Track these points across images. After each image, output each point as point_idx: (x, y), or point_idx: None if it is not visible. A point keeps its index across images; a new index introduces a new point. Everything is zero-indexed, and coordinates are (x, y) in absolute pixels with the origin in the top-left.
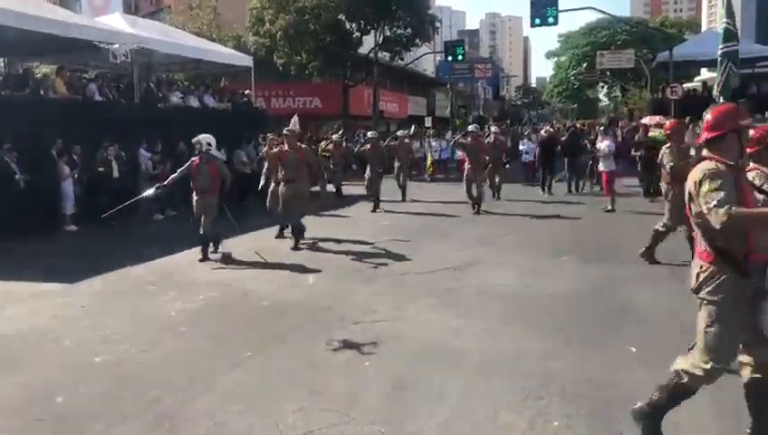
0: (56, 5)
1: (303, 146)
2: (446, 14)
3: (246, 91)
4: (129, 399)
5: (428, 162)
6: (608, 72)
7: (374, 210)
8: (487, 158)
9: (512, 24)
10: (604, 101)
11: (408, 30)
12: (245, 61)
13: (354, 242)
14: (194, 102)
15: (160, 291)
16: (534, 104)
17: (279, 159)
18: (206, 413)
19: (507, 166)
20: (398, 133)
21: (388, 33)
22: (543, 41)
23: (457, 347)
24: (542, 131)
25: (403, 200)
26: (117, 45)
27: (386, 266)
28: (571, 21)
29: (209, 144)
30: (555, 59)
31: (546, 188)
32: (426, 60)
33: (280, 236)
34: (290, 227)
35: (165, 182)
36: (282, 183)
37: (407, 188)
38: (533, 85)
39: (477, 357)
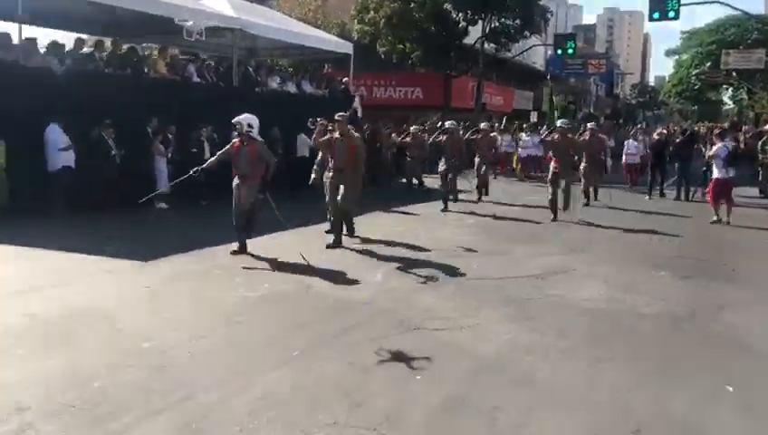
0: None
1: (356, 134)
2: (562, 8)
3: (344, 79)
4: (164, 392)
5: (515, 160)
6: (734, 73)
7: (444, 209)
8: (576, 158)
9: (631, 19)
10: (728, 104)
11: (517, 21)
12: (345, 48)
13: (425, 241)
14: (291, 88)
15: (227, 277)
16: (650, 104)
17: (329, 146)
18: (237, 418)
19: (607, 167)
20: (482, 125)
21: (496, 24)
22: (665, 38)
23: (525, 367)
24: (655, 134)
25: (479, 200)
26: (191, 23)
27: (457, 270)
28: (696, 17)
29: (250, 126)
30: (676, 57)
31: (654, 193)
32: (536, 53)
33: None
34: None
35: (203, 166)
36: (332, 172)
37: (487, 187)
38: (651, 84)
39: (545, 381)
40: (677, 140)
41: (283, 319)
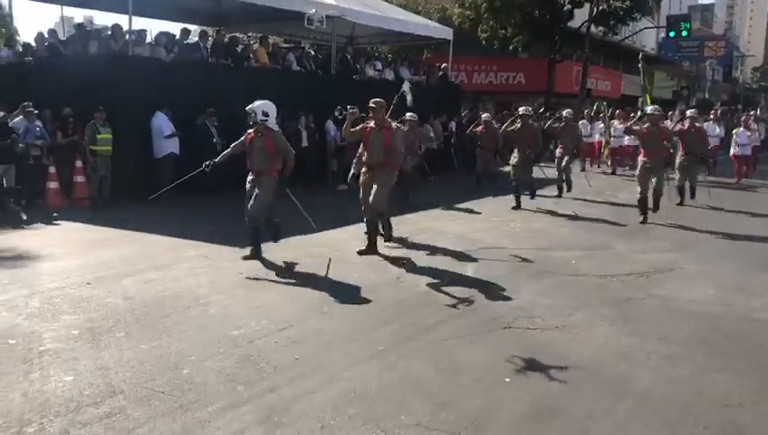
0: None
1: (395, 125)
2: None
3: (443, 65)
4: (249, 382)
5: (605, 149)
6: None
7: (516, 207)
8: (672, 150)
9: None
10: None
11: (627, 2)
12: (445, 33)
13: (518, 237)
14: (389, 75)
15: (318, 265)
16: None
17: (363, 138)
18: (318, 412)
19: (714, 161)
20: (564, 113)
21: (604, 6)
22: None
23: (622, 373)
24: None
25: (559, 196)
26: (314, 11)
27: (552, 265)
28: None
29: (265, 113)
30: None
31: None
32: (646, 35)
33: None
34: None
35: (215, 159)
36: (366, 169)
37: (571, 182)
38: None
39: (644, 390)
40: None
41: (373, 311)
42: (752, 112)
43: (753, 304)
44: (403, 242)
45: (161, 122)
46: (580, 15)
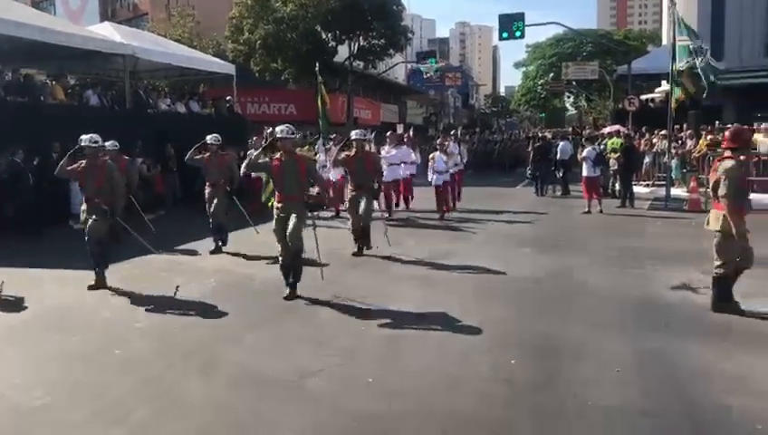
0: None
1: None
2: (417, 23)
3: (228, 98)
4: (175, 351)
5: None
6: (573, 83)
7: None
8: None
9: (481, 33)
10: (571, 110)
11: (382, 40)
12: (228, 68)
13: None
14: (181, 108)
15: (173, 276)
16: (503, 113)
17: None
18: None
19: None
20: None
21: (363, 44)
22: (513, 50)
23: (433, 317)
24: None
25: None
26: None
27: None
28: (540, 31)
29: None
30: (523, 69)
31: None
32: (399, 69)
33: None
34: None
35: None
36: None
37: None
38: (502, 94)
39: (457, 321)
40: (537, 145)
41: (239, 302)
42: (452, 132)
43: (511, 269)
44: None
45: None
46: (344, 51)
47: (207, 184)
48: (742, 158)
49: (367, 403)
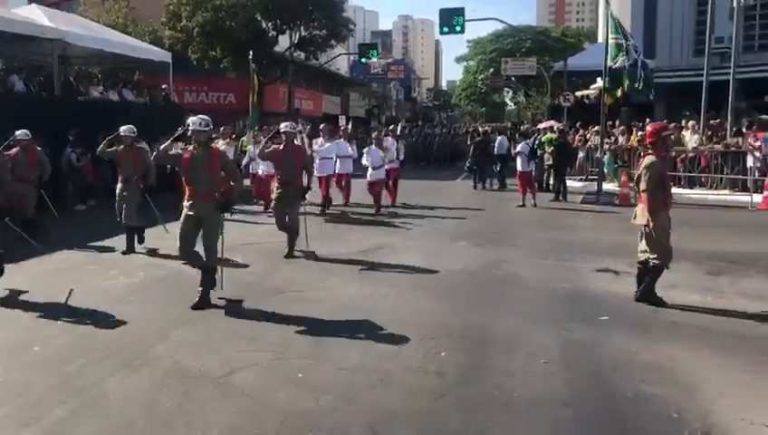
0: None
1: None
2: (360, 15)
3: (164, 86)
4: (99, 347)
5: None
6: (512, 78)
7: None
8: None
9: (423, 26)
10: (510, 105)
11: (324, 31)
12: (164, 56)
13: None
14: (113, 96)
15: (102, 270)
16: (445, 106)
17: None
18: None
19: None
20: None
21: (304, 34)
22: (455, 45)
23: (368, 308)
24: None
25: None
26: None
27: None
28: (481, 27)
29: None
30: (465, 63)
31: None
32: (341, 60)
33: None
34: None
35: None
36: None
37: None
38: (444, 88)
39: (389, 314)
40: (477, 139)
41: (169, 295)
42: (390, 127)
43: (446, 261)
44: None
45: None
46: (285, 41)
47: (120, 179)
48: (664, 154)
49: (295, 398)
